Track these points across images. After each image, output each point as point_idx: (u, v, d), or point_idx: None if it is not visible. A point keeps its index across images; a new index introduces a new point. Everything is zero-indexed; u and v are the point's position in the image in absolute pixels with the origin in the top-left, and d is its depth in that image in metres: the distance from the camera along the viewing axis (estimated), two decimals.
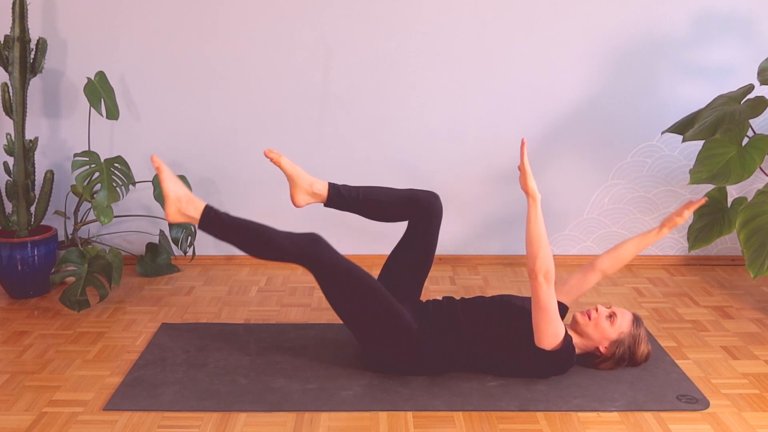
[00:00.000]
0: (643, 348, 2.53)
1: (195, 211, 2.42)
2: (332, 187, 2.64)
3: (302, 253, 2.41)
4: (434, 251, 2.72)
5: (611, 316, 2.51)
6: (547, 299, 2.33)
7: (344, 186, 2.66)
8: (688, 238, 3.34)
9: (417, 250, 2.69)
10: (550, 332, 2.37)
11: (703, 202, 2.61)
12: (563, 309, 2.64)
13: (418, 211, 2.64)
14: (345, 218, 3.58)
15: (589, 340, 2.52)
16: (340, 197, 2.63)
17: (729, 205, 3.31)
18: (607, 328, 2.49)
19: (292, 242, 2.42)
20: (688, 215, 2.62)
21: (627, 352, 2.51)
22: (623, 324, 2.50)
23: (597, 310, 2.52)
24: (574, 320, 2.54)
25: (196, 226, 2.44)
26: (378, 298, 2.44)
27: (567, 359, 2.45)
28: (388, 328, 2.46)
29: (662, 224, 2.66)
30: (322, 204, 2.66)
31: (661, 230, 2.65)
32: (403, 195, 2.67)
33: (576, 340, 2.52)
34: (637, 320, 2.53)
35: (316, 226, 3.71)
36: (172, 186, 2.41)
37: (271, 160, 2.60)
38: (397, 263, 2.71)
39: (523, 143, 2.39)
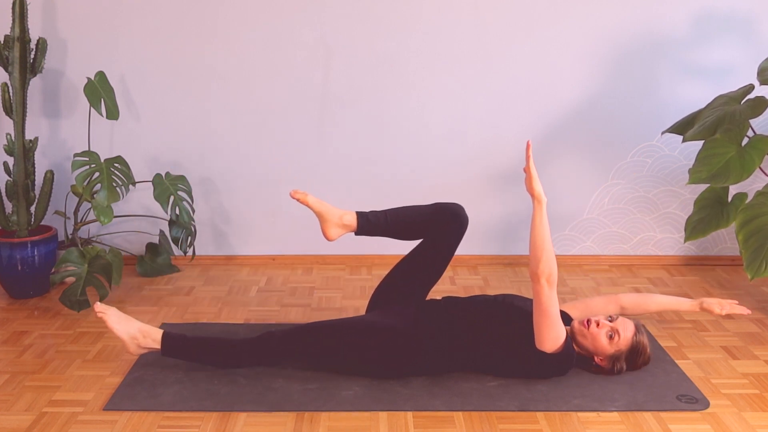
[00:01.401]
0: (642, 359, 2.52)
1: (154, 342, 2.52)
2: (360, 215, 2.65)
3: (267, 351, 2.52)
4: (450, 259, 2.71)
5: (613, 334, 2.47)
6: (549, 303, 2.33)
7: (372, 213, 2.67)
8: (685, 229, 3.35)
9: (434, 257, 2.69)
10: (551, 335, 2.37)
11: (747, 313, 2.71)
12: (570, 321, 2.63)
13: (445, 220, 2.63)
14: None
15: (585, 350, 2.52)
16: (369, 224, 2.65)
17: (729, 200, 3.31)
18: (605, 345, 2.47)
19: (254, 345, 2.52)
20: (726, 312, 2.72)
21: (623, 366, 2.50)
22: (623, 342, 2.47)
23: (599, 325, 2.48)
24: (573, 328, 2.53)
25: (160, 352, 2.54)
26: (348, 329, 2.50)
27: (567, 362, 2.45)
28: (377, 342, 2.47)
29: (700, 303, 2.75)
30: (353, 233, 2.67)
31: (694, 307, 2.76)
32: (428, 210, 2.67)
33: (574, 344, 2.51)
34: (638, 330, 2.51)
35: (313, 224, 3.71)
36: (122, 328, 2.51)
37: (298, 200, 2.61)
38: (411, 267, 2.70)
39: (528, 146, 2.39)
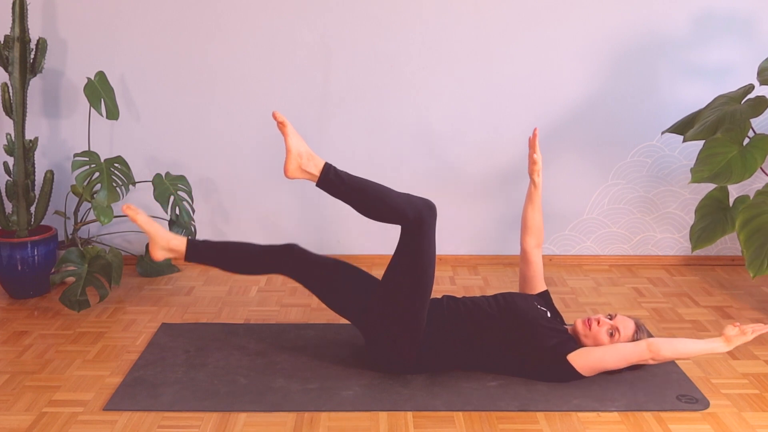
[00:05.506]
0: None
1: (315, 168, 2.44)
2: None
3: (416, 213, 2.44)
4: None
5: (613, 332, 2.48)
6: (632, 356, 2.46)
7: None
8: (690, 239, 3.34)
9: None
10: (598, 368, 2.46)
11: (535, 132, 2.63)
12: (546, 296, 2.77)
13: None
14: (344, 217, 3.58)
15: None
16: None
17: (731, 203, 3.31)
18: (607, 344, 2.48)
19: (408, 203, 2.45)
20: (538, 156, 2.70)
21: None
22: (624, 340, 2.49)
23: (599, 323, 2.49)
24: (575, 328, 2.53)
25: (315, 184, 2.48)
26: (425, 293, 2.47)
27: (573, 376, 2.46)
28: (405, 320, 2.45)
29: (530, 177, 2.75)
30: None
31: (535, 183, 2.76)
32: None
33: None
34: (639, 329, 2.52)
35: (314, 224, 3.71)
36: (294, 141, 2.43)
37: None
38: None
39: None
